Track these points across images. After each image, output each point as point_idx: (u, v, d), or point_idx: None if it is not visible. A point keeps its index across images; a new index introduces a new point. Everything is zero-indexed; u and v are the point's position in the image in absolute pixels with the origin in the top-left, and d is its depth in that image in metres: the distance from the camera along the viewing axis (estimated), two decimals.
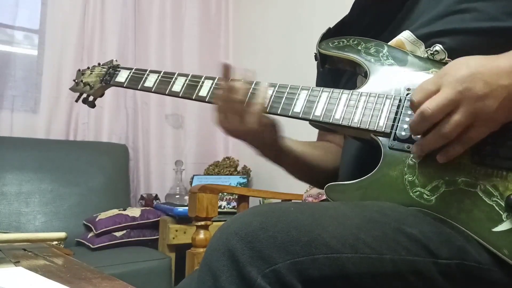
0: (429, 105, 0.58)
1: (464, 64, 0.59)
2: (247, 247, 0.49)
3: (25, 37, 2.47)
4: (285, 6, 2.57)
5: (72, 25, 2.50)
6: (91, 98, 1.06)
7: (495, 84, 0.57)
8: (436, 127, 0.59)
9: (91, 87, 1.02)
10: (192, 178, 2.62)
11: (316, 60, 0.84)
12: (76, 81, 1.06)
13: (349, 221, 0.55)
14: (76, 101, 1.08)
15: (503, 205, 0.58)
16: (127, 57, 2.64)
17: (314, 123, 0.77)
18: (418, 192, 0.63)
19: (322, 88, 0.75)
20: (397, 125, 0.67)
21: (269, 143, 0.82)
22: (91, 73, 1.05)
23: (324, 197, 0.69)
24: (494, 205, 0.59)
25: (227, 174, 2.60)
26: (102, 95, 1.06)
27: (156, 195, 2.56)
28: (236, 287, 0.48)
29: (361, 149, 0.79)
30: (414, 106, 0.61)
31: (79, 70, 1.09)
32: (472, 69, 0.58)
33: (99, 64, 1.07)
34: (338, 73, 0.90)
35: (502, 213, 0.58)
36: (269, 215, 0.53)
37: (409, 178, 0.64)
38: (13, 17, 2.39)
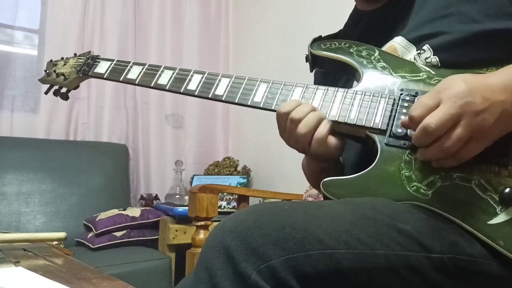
0: (432, 120, 0.58)
1: (460, 80, 0.60)
2: (242, 244, 0.50)
3: (25, 37, 2.47)
4: (285, 6, 2.57)
5: (72, 25, 2.50)
6: (63, 90, 1.00)
7: (492, 99, 0.59)
8: (438, 141, 0.60)
9: (65, 78, 0.97)
10: (192, 178, 2.62)
11: (307, 61, 0.85)
12: (47, 71, 1.00)
13: (343, 218, 0.57)
14: (46, 93, 1.01)
15: (497, 199, 0.61)
16: (127, 57, 2.64)
17: None
18: (415, 187, 0.64)
19: (316, 85, 0.76)
20: (393, 123, 0.68)
21: (339, 155, 0.79)
22: (65, 64, 1.00)
23: None
24: (488, 199, 0.61)
25: (227, 174, 2.60)
26: (76, 87, 1.00)
27: (156, 195, 2.56)
28: (231, 283, 0.49)
29: (360, 148, 0.79)
30: (414, 121, 0.61)
31: (50, 60, 1.03)
32: (469, 84, 0.59)
33: (75, 54, 1.02)
34: (333, 79, 0.91)
35: (496, 206, 0.61)
36: (264, 213, 0.54)
37: (406, 173, 0.65)
38: (13, 17, 2.39)
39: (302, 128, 0.70)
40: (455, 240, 0.59)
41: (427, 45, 0.73)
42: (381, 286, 0.55)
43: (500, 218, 0.60)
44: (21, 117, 2.38)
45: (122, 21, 2.65)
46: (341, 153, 0.77)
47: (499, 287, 0.61)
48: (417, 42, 0.75)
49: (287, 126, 0.72)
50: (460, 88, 0.59)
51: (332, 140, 0.72)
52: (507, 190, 0.60)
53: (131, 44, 2.68)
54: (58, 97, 1.00)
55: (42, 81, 1.02)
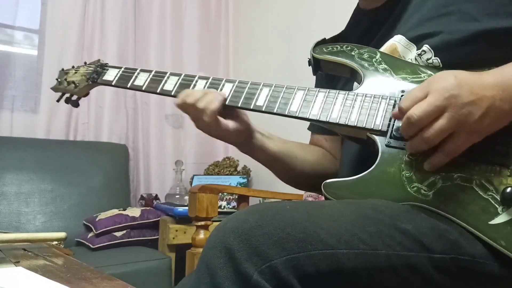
0: (415, 111, 0.59)
1: (451, 74, 0.61)
2: (244, 244, 0.50)
3: (25, 37, 2.46)
4: (285, 6, 2.57)
5: (72, 25, 2.50)
6: (74, 97, 1.02)
7: (480, 94, 0.59)
8: (421, 132, 0.60)
9: (76, 86, 1.00)
10: (192, 178, 2.62)
11: (309, 65, 0.85)
12: (59, 80, 1.03)
13: (344, 218, 0.57)
14: (58, 101, 1.04)
15: (499, 198, 0.61)
16: (127, 57, 2.64)
17: (312, 122, 0.77)
18: (415, 188, 0.64)
19: (318, 88, 0.77)
20: (393, 124, 0.68)
21: (241, 141, 0.87)
22: (75, 73, 1.02)
23: None
24: (489, 198, 0.61)
25: (227, 174, 2.60)
26: (86, 94, 1.03)
27: (156, 195, 2.56)
28: (232, 283, 0.49)
29: (360, 149, 0.80)
30: (403, 112, 0.62)
31: (62, 69, 1.06)
32: (459, 79, 0.60)
33: (85, 63, 1.04)
34: (333, 80, 0.92)
35: (497, 206, 0.61)
36: (265, 213, 0.54)
37: (407, 174, 0.65)
38: (13, 17, 2.39)
39: (200, 103, 0.79)
40: (457, 240, 0.59)
41: (426, 45, 0.73)
42: (382, 286, 0.55)
43: (502, 218, 0.60)
44: (21, 117, 2.38)
45: (122, 21, 2.65)
46: (238, 139, 0.86)
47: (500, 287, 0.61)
48: (417, 41, 0.75)
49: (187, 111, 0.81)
50: (449, 81, 0.60)
51: (224, 121, 0.80)
52: (509, 189, 0.60)
53: (131, 44, 2.68)
54: (69, 104, 1.03)
55: (54, 89, 1.05)
